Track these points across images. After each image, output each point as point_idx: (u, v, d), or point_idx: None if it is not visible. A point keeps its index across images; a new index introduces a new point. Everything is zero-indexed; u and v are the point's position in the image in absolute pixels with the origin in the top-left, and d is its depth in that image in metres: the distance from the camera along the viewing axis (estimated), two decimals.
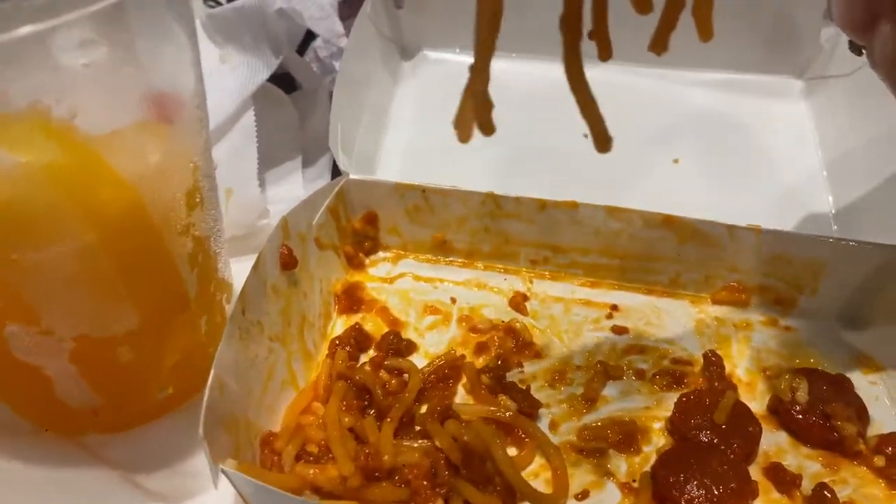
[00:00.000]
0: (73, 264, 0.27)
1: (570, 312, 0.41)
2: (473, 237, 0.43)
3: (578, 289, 0.43)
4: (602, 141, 0.29)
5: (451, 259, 0.44)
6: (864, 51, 0.29)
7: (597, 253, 0.43)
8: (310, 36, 0.59)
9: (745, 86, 0.54)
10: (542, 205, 0.42)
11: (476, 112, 0.28)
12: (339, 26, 0.50)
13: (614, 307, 0.42)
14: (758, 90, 0.54)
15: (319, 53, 0.59)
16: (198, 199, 0.31)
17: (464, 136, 0.28)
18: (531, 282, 0.43)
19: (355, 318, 0.40)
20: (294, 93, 0.55)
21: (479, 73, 0.28)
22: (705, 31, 0.29)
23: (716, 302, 0.43)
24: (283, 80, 0.54)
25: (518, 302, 0.41)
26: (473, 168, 0.48)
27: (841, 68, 0.52)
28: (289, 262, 0.37)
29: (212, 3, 0.70)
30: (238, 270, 0.37)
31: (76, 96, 0.25)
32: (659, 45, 0.30)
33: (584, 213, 0.42)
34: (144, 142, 0.28)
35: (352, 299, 0.41)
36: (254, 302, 0.34)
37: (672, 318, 0.42)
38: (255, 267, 0.34)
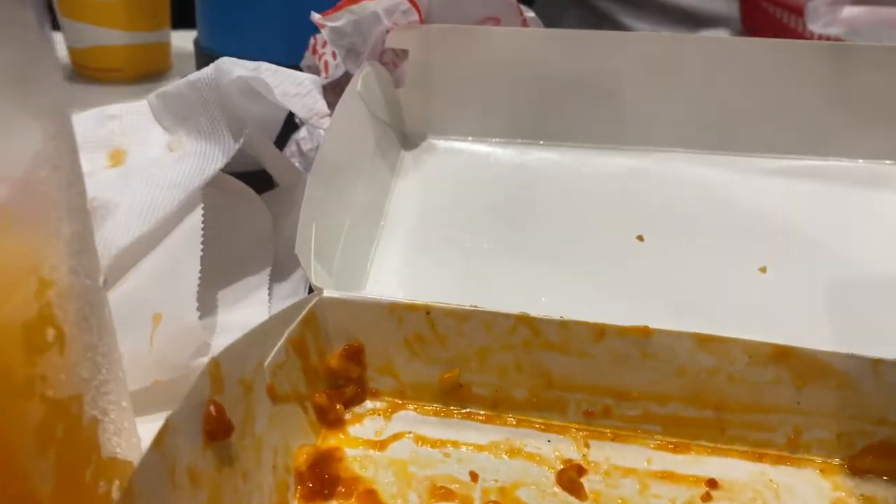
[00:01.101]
0: None
1: (647, 493, 0.28)
2: (501, 378, 0.30)
3: (657, 454, 0.29)
4: None
5: (469, 410, 0.31)
6: None
7: (681, 401, 0.29)
8: (291, 126, 0.48)
9: (839, 173, 0.43)
10: (600, 331, 0.29)
11: None
12: (321, 105, 0.39)
13: (712, 483, 0.28)
14: (858, 178, 0.42)
15: (302, 146, 0.48)
16: (50, 338, 0.19)
17: None
18: (587, 445, 0.30)
19: None
20: (268, 192, 0.44)
21: None
22: None
23: (857, 471, 0.29)
24: (256, 178, 0.43)
25: (570, 478, 0.28)
26: (496, 284, 0.36)
27: None
28: (218, 429, 0.24)
29: None
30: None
31: None
32: None
33: (662, 343, 0.29)
34: None
35: (322, 478, 0.27)
36: (152, 498, 0.21)
37: (796, 498, 0.28)
38: (154, 442, 0.21)
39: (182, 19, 0.68)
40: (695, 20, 1.05)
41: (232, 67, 0.36)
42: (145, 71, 0.66)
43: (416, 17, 0.42)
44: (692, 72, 0.43)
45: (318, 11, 0.41)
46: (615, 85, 0.43)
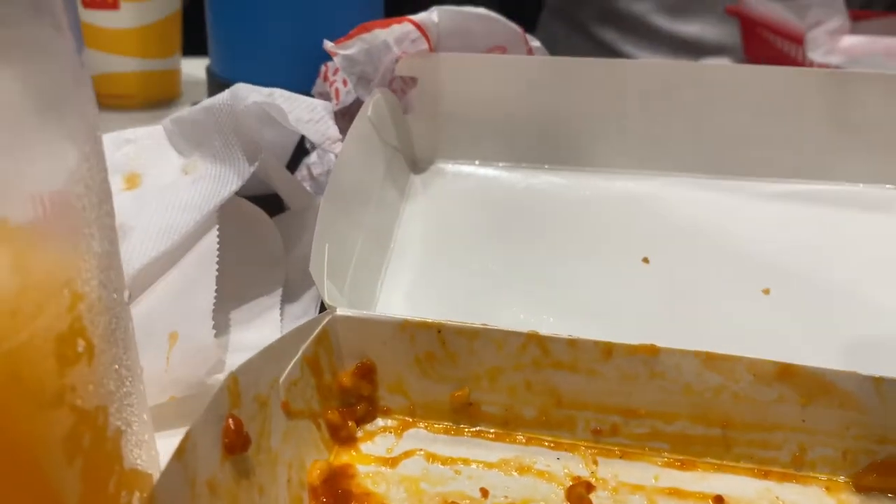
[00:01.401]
0: None
1: None
2: (511, 397, 0.31)
3: (664, 471, 0.30)
4: None
5: (479, 429, 0.31)
6: None
7: (688, 419, 0.30)
8: (302, 151, 0.49)
9: (840, 197, 0.43)
10: (608, 350, 0.30)
11: None
12: (333, 130, 0.40)
13: (718, 499, 0.29)
14: (860, 202, 0.43)
15: (313, 170, 0.49)
16: (80, 349, 0.20)
17: None
18: (595, 462, 0.30)
19: None
20: (280, 215, 0.44)
21: None
22: None
23: (862, 489, 0.29)
24: (268, 202, 0.44)
25: (579, 494, 0.28)
26: (503, 305, 0.37)
27: None
28: (236, 443, 0.24)
29: None
30: (173, 449, 0.25)
31: None
32: None
33: (669, 362, 0.29)
34: None
35: (335, 493, 0.28)
36: None
37: None
38: (176, 454, 0.22)
39: (191, 46, 0.70)
40: (695, 50, 1.07)
41: (248, 93, 0.37)
42: (156, 97, 0.67)
43: (425, 45, 0.43)
44: (695, 98, 0.44)
45: (329, 39, 0.43)
46: (620, 110, 0.44)
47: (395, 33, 0.42)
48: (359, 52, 0.42)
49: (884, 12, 0.97)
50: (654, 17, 1.05)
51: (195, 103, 0.67)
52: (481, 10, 0.46)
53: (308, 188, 0.47)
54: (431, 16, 0.43)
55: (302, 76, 0.50)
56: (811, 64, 0.70)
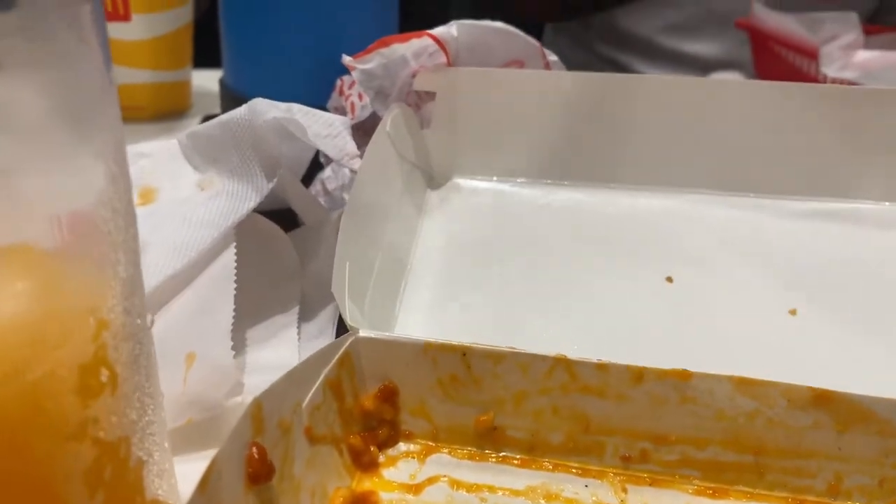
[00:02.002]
0: None
1: None
2: (537, 422, 0.30)
3: (695, 499, 0.29)
4: None
5: (504, 454, 0.30)
6: None
7: (720, 445, 0.29)
8: (316, 166, 0.49)
9: (861, 215, 0.43)
10: (639, 375, 0.29)
11: None
12: (351, 146, 0.39)
13: None
14: (883, 220, 0.42)
15: (328, 185, 0.49)
16: (104, 379, 0.19)
17: None
18: (625, 489, 0.29)
19: None
20: (294, 230, 0.44)
21: None
22: None
23: None
24: (282, 217, 0.43)
25: None
26: (524, 326, 0.36)
27: None
28: (260, 472, 0.23)
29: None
30: (191, 474, 0.24)
31: None
32: None
33: (701, 386, 0.29)
34: None
35: None
36: None
37: None
38: (200, 485, 0.21)
39: (200, 57, 0.69)
40: (702, 67, 1.06)
41: (266, 108, 0.37)
42: (166, 109, 0.66)
43: (443, 58, 0.43)
44: (713, 114, 0.43)
45: (344, 52, 0.42)
46: (638, 126, 0.44)
47: (413, 47, 0.41)
48: (377, 66, 0.41)
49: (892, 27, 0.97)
50: (660, 38, 1.04)
51: (207, 116, 0.66)
52: (499, 25, 0.45)
53: (323, 203, 0.46)
54: (451, 30, 0.43)
55: (317, 89, 0.49)
56: (825, 79, 0.70)
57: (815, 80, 0.71)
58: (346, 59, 0.42)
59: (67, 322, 0.18)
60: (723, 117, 0.43)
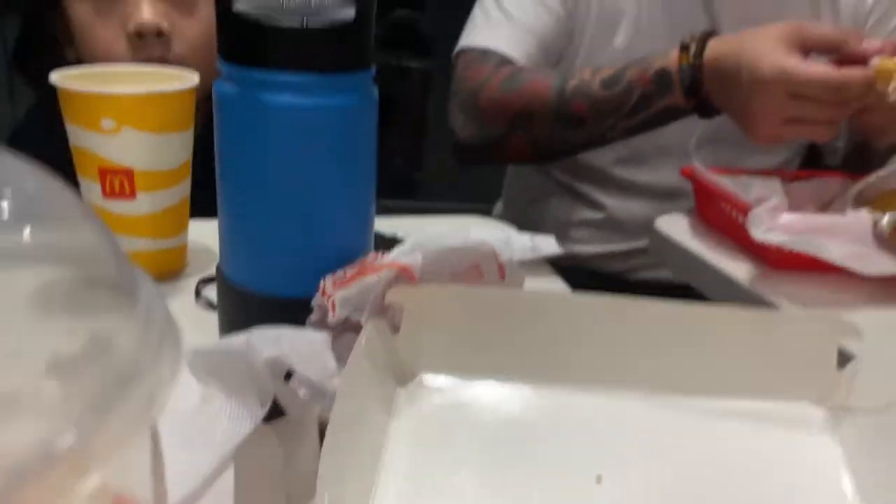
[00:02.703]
0: None
1: None
2: None
3: None
4: None
5: None
6: None
7: None
8: None
9: (761, 414, 0.51)
10: None
11: None
12: (331, 363, 0.47)
13: None
14: (778, 419, 0.50)
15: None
16: None
17: None
18: None
19: None
20: (276, 420, 0.50)
21: None
22: None
23: None
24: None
25: None
26: None
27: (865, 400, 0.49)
28: None
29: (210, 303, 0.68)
30: None
31: None
32: None
33: None
34: None
35: None
36: None
37: None
38: None
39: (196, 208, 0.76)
40: (655, 195, 1.16)
41: (262, 346, 0.44)
42: (165, 270, 0.74)
43: (411, 280, 0.51)
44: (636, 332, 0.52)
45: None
46: (583, 334, 0.52)
47: (385, 277, 0.49)
48: (355, 293, 0.49)
49: (811, 172, 1.07)
50: (613, 169, 1.15)
51: (203, 279, 0.73)
52: (458, 241, 0.54)
53: (301, 396, 0.53)
54: (416, 257, 0.51)
55: (306, 283, 0.56)
56: (753, 241, 0.79)
57: (747, 234, 0.80)
58: (328, 286, 0.49)
59: None
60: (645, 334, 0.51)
